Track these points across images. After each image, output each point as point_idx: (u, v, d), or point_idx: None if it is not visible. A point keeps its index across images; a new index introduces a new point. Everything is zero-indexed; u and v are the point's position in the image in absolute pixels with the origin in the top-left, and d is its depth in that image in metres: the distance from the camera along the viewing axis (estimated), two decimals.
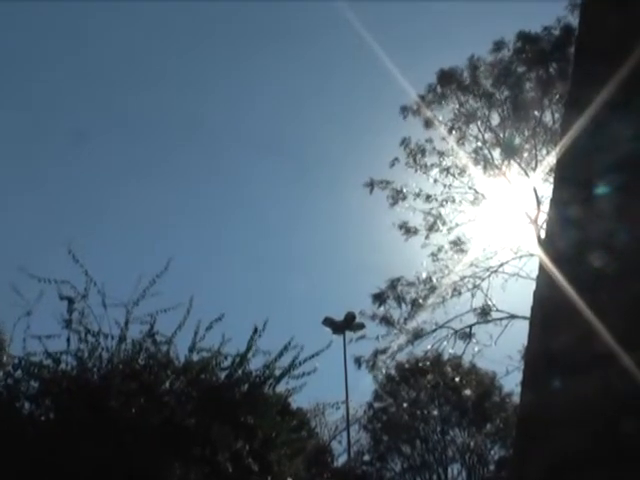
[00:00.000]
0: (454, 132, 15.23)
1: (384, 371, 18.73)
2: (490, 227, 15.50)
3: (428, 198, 15.39)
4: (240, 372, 6.39)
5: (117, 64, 30.32)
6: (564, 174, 1.96)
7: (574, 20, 13.50)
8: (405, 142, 15.22)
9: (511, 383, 20.17)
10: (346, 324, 16.40)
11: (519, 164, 15.07)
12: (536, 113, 14.70)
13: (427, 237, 15.40)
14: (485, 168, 15.25)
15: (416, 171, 15.43)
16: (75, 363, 6.06)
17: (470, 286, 14.98)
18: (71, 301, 6.18)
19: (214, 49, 31.31)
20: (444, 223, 15.42)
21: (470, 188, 15.42)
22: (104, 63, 30.49)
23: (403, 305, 15.17)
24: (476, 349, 15.05)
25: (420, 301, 15.12)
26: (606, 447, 1.41)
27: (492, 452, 23.10)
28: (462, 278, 15.06)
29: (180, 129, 32.52)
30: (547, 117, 14.67)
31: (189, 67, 31.10)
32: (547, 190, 13.66)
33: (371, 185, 15.30)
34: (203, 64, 31.46)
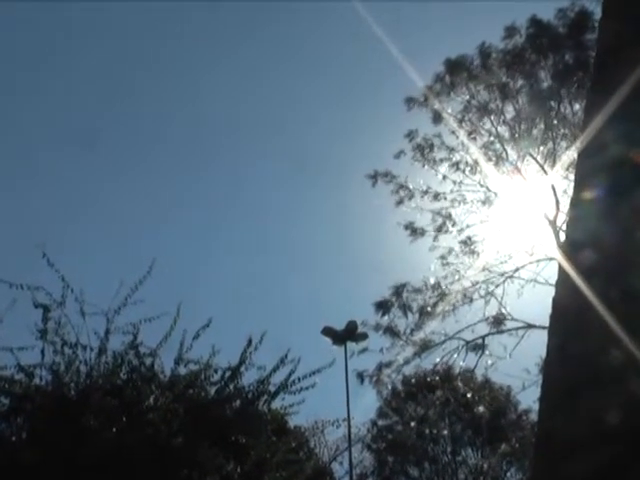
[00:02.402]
0: (464, 125, 15.25)
1: (389, 386, 18.70)
2: (504, 228, 15.48)
3: (436, 197, 15.39)
4: (232, 387, 6.39)
5: (111, 60, 30.42)
6: (585, 170, 1.96)
7: (589, 3, 13.55)
8: (411, 135, 15.22)
9: (528, 399, 20.12)
10: (347, 334, 16.37)
11: (536, 160, 15.07)
12: (553, 104, 14.71)
13: (435, 239, 15.40)
14: (499, 164, 15.26)
15: (424, 166, 15.44)
16: (50, 377, 6.04)
17: (483, 293, 14.97)
18: (46, 309, 6.16)
19: (210, 39, 31.43)
20: (454, 224, 15.41)
21: (482, 186, 15.42)
22: (96, 62, 30.59)
23: (409, 314, 15.14)
24: (490, 362, 15.02)
25: (428, 309, 15.10)
26: (635, 468, 1.40)
27: (508, 474, 23.07)
28: (474, 284, 15.05)
29: (169, 123, 32.58)
30: (566, 108, 14.68)
31: (186, 59, 31.23)
32: (567, 188, 13.68)
33: (374, 177, 15.30)
34: (201, 56, 31.57)
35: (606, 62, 2.01)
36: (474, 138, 15.26)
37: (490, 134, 15.29)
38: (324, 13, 28.42)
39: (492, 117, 15.28)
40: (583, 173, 1.88)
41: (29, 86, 29.99)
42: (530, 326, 14.34)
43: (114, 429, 5.68)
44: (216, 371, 6.40)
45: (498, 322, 14.72)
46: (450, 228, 15.38)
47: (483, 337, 14.83)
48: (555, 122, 14.76)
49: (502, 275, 14.93)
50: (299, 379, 6.45)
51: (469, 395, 21.93)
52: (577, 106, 14.13)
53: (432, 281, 15.22)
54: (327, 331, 16.94)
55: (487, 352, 14.85)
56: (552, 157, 14.82)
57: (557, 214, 14.22)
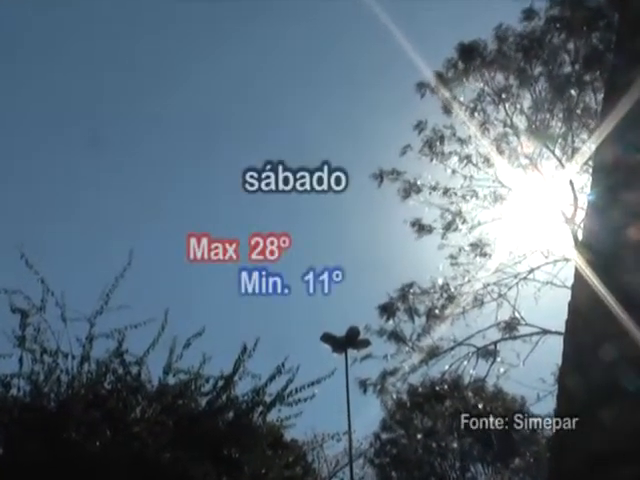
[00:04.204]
0: (477, 115, 15.26)
1: (394, 396, 18.71)
2: (518, 227, 15.51)
3: (446, 192, 15.41)
4: (224, 398, 6.41)
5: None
6: (604, 165, 1.97)
7: None
8: (420, 126, 15.22)
9: (543, 410, 20.12)
10: (348, 341, 16.40)
11: (553, 153, 15.08)
12: (572, 92, 14.72)
13: (444, 237, 15.42)
14: (513, 157, 15.28)
15: (432, 160, 15.44)
16: (29, 388, 6.06)
17: (495, 296, 14.98)
18: (24, 314, 6.18)
19: (209, 31, 31.40)
20: (464, 221, 15.43)
21: (495, 181, 15.45)
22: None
23: (416, 318, 15.17)
24: (502, 370, 15.04)
25: (436, 313, 15.12)
26: None
27: None
28: (485, 286, 15.06)
29: (168, 120, 32.54)
30: (587, 97, 14.68)
31: (186, 56, 31.22)
32: (586, 184, 13.69)
33: (380, 177, 15.32)
34: (202, 48, 31.55)
35: (632, 37, 2.02)
36: (487, 129, 15.27)
37: (505, 124, 15.30)
38: None
39: (507, 106, 15.28)
40: (599, 170, 1.89)
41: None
42: (545, 332, 14.36)
43: (98, 443, 5.70)
44: (207, 380, 6.42)
45: (511, 327, 14.74)
46: (460, 226, 15.40)
47: (495, 343, 14.85)
48: (577, 112, 14.74)
49: (515, 277, 14.94)
50: (297, 390, 6.47)
51: (480, 406, 21.95)
52: (600, 95, 14.12)
53: (440, 282, 15.24)
54: (327, 338, 16.97)
55: (499, 359, 14.86)
56: (571, 150, 14.83)
57: (575, 212, 14.24)
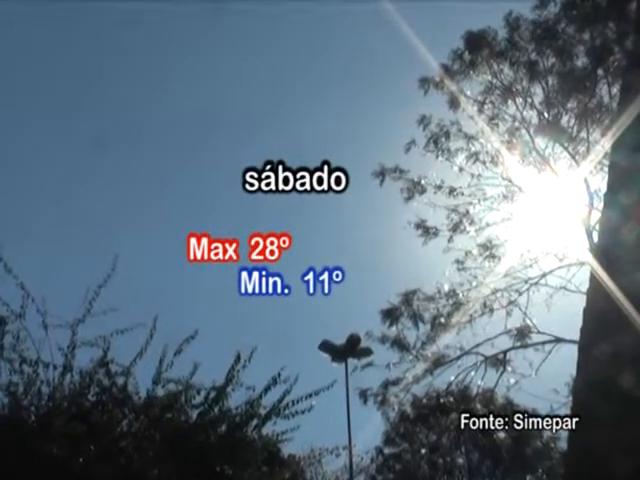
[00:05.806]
0: (485, 109, 15.29)
1: (397, 408, 18.73)
2: (530, 228, 15.54)
3: (452, 192, 15.44)
4: (216, 410, 6.41)
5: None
6: (621, 163, 1.97)
7: None
8: (425, 122, 15.25)
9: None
10: (349, 349, 16.41)
11: (567, 149, 15.12)
12: (587, 85, 14.75)
13: (450, 240, 15.45)
14: (524, 155, 15.30)
15: (437, 157, 15.48)
16: (7, 400, 6.05)
17: (504, 302, 15.02)
18: (2, 321, 6.18)
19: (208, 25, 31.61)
20: (472, 222, 15.47)
21: (504, 179, 15.48)
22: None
23: (420, 325, 15.20)
24: (512, 380, 15.08)
25: (442, 320, 15.15)
26: None
27: None
28: (494, 292, 15.10)
29: (169, 118, 32.63)
30: (602, 90, 14.71)
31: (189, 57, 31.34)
32: (602, 182, 13.71)
33: (382, 174, 15.35)
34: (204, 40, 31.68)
35: None
36: (496, 124, 15.30)
37: (515, 120, 15.33)
38: None
39: (518, 100, 15.31)
40: (616, 170, 1.89)
41: None
42: (559, 340, 14.39)
43: (81, 459, 5.70)
44: (199, 391, 6.42)
45: (522, 335, 14.76)
46: (467, 227, 15.43)
47: (504, 352, 14.88)
48: (590, 105, 14.77)
49: (527, 282, 14.97)
50: (294, 402, 6.47)
51: None
52: (614, 89, 14.16)
53: (446, 288, 15.27)
54: (326, 347, 16.97)
55: (509, 369, 14.90)
56: (586, 147, 14.85)
57: (590, 212, 14.26)
